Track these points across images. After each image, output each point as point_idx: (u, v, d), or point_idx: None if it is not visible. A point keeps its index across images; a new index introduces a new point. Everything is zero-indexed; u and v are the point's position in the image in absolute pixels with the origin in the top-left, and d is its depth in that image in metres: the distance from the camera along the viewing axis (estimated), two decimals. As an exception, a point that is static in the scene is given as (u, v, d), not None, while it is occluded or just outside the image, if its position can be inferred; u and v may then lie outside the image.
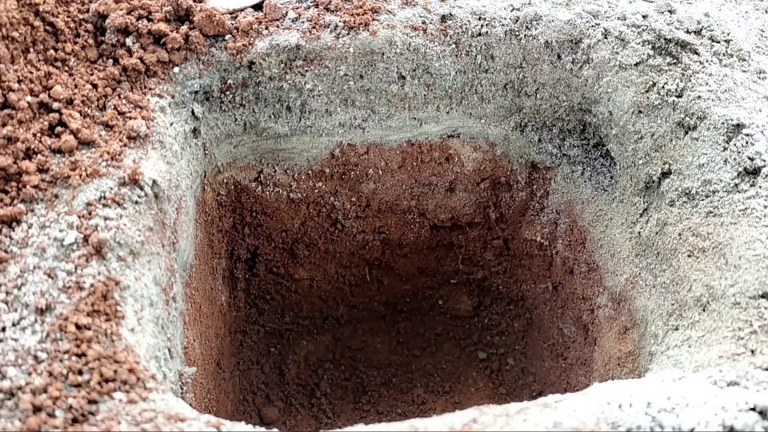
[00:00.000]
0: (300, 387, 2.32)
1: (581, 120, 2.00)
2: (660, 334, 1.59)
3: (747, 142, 1.60)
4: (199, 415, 1.19)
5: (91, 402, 1.17)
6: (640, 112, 1.79)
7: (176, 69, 1.76)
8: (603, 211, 1.96)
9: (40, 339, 1.23)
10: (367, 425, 1.22)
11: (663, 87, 1.77)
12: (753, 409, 1.15)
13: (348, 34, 1.86)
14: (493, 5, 1.94)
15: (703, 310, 1.47)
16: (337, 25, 1.86)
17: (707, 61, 1.80)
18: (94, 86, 1.65)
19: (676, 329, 1.53)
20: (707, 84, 1.74)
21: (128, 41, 1.74)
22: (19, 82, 1.55)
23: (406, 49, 1.88)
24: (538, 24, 1.91)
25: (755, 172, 1.56)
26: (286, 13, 1.88)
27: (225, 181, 2.01)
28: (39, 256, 1.34)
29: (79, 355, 1.22)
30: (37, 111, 1.56)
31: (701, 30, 1.88)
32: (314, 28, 1.86)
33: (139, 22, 1.76)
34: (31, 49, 1.62)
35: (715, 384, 1.23)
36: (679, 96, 1.75)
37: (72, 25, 1.71)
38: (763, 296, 1.38)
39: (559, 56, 1.92)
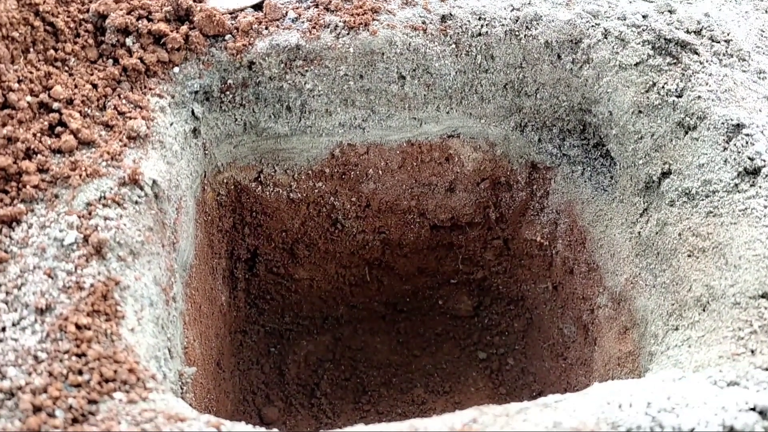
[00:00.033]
0: (300, 387, 2.32)
1: (581, 120, 2.00)
2: (660, 334, 1.59)
3: (747, 142, 1.60)
4: (199, 415, 1.19)
5: (91, 402, 1.17)
6: (640, 112, 1.79)
7: (176, 69, 1.76)
8: (603, 211, 1.95)
9: (40, 339, 1.23)
10: (367, 425, 1.22)
11: (663, 87, 1.77)
12: (753, 409, 1.15)
13: (348, 34, 1.86)
14: (493, 5, 1.93)
15: (703, 310, 1.47)
16: (337, 25, 1.86)
17: (707, 61, 1.80)
18: (94, 86, 1.65)
19: (676, 329, 1.53)
20: (707, 84, 1.74)
21: (128, 41, 1.74)
22: (19, 82, 1.55)
23: (406, 49, 1.88)
24: (538, 24, 1.91)
25: (755, 172, 1.56)
26: (286, 13, 1.88)
27: (225, 181, 2.01)
28: (39, 256, 1.34)
29: (79, 355, 1.22)
30: (37, 111, 1.56)
31: (701, 30, 1.88)
32: (314, 28, 1.86)
33: (139, 22, 1.76)
34: (31, 49, 1.62)
35: (715, 384, 1.23)
36: (679, 96, 1.75)
37: (72, 25, 1.71)
38: (763, 296, 1.38)
39: (559, 56, 1.92)
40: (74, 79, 1.64)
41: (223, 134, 1.92)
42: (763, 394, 1.18)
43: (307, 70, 1.87)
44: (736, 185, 1.57)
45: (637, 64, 1.82)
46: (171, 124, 1.69)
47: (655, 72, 1.80)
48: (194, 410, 1.22)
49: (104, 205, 1.43)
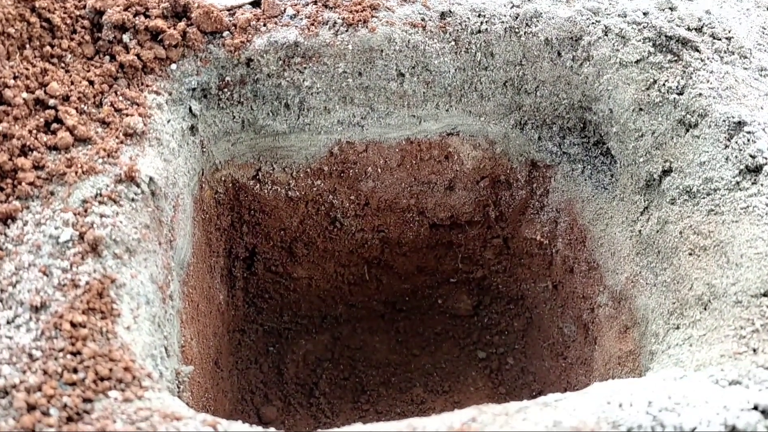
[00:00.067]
0: (298, 386, 2.31)
1: (581, 118, 1.99)
2: (661, 333, 1.58)
3: (748, 140, 1.59)
4: (195, 413, 1.18)
5: (86, 400, 1.16)
6: (640, 109, 1.78)
7: (173, 66, 1.75)
8: (603, 209, 1.94)
9: (34, 337, 1.22)
10: (365, 424, 1.21)
11: (664, 84, 1.76)
12: (755, 408, 1.14)
13: (347, 31, 1.85)
14: (493, 2, 1.92)
15: (705, 309, 1.46)
16: (335, 22, 1.85)
17: (708, 59, 1.79)
18: (91, 83, 1.64)
19: (677, 328, 1.52)
20: (708, 81, 1.73)
21: (125, 38, 1.72)
22: (14, 78, 1.54)
23: (405, 46, 1.87)
24: (538, 21, 1.90)
25: (757, 169, 1.55)
26: (285, 9, 1.87)
27: (223, 179, 2.00)
28: (34, 254, 1.33)
29: (74, 353, 1.21)
30: (33, 108, 1.55)
31: (702, 27, 1.87)
32: (313, 24, 1.85)
33: (136, 18, 1.75)
34: (27, 46, 1.61)
35: (717, 383, 1.22)
36: (680, 93, 1.74)
37: (68, 21, 1.70)
38: (765, 294, 1.37)
39: (559, 53, 1.91)
40: (70, 76, 1.63)
41: (221, 132, 1.91)
42: (765, 393, 1.17)
43: (305, 68, 1.86)
44: (738, 183, 1.56)
45: (637, 62, 1.81)
46: (168, 122, 1.68)
47: (656, 69, 1.79)
48: (191, 409, 1.21)
49: (100, 203, 1.42)
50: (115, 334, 1.26)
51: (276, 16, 1.86)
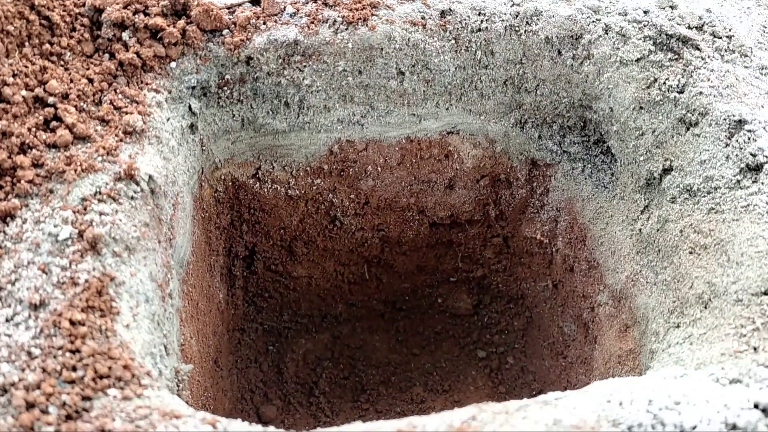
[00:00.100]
0: (298, 385, 2.31)
1: (582, 116, 1.98)
2: (661, 331, 1.58)
3: (749, 138, 1.58)
4: (194, 412, 1.18)
5: (85, 398, 1.16)
6: (641, 108, 1.78)
7: (173, 64, 1.74)
8: (603, 208, 1.94)
9: (33, 335, 1.22)
10: (365, 423, 1.21)
11: (664, 83, 1.76)
12: (756, 407, 1.13)
13: (346, 29, 1.85)
14: (493, 0, 1.92)
15: (705, 308, 1.46)
16: (335, 20, 1.85)
17: (709, 57, 1.78)
18: (90, 81, 1.63)
19: (678, 327, 1.51)
20: (709, 80, 1.73)
21: (125, 36, 1.72)
22: (14, 76, 1.54)
23: (405, 44, 1.87)
24: (538, 19, 1.89)
25: (757, 168, 1.55)
26: (284, 8, 1.87)
27: (223, 177, 2.00)
28: (33, 252, 1.32)
29: (73, 352, 1.21)
30: (32, 105, 1.54)
31: (703, 26, 1.86)
32: (312, 23, 1.84)
33: (136, 16, 1.74)
34: (27, 43, 1.61)
35: (718, 381, 1.22)
36: (681, 92, 1.73)
37: (68, 19, 1.69)
38: (765, 293, 1.37)
39: (559, 52, 1.91)
40: (70, 74, 1.62)
41: (220, 130, 1.90)
42: (765, 392, 1.16)
43: (305, 66, 1.85)
44: (738, 182, 1.56)
45: (638, 60, 1.80)
46: (168, 120, 1.68)
47: (656, 68, 1.78)
48: (190, 407, 1.20)
49: (99, 201, 1.41)
50: (114, 332, 1.25)
51: (276, 15, 1.86)
